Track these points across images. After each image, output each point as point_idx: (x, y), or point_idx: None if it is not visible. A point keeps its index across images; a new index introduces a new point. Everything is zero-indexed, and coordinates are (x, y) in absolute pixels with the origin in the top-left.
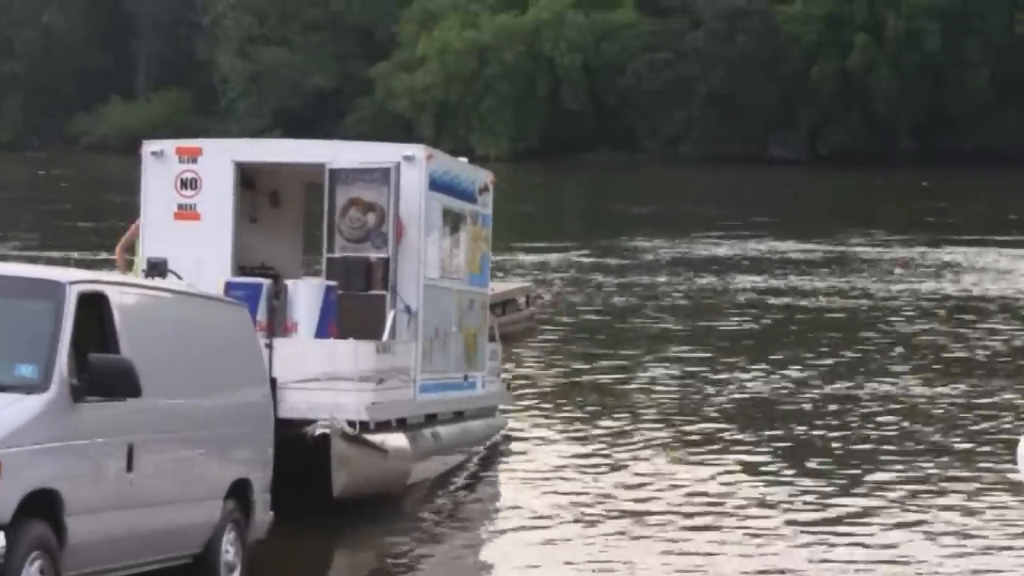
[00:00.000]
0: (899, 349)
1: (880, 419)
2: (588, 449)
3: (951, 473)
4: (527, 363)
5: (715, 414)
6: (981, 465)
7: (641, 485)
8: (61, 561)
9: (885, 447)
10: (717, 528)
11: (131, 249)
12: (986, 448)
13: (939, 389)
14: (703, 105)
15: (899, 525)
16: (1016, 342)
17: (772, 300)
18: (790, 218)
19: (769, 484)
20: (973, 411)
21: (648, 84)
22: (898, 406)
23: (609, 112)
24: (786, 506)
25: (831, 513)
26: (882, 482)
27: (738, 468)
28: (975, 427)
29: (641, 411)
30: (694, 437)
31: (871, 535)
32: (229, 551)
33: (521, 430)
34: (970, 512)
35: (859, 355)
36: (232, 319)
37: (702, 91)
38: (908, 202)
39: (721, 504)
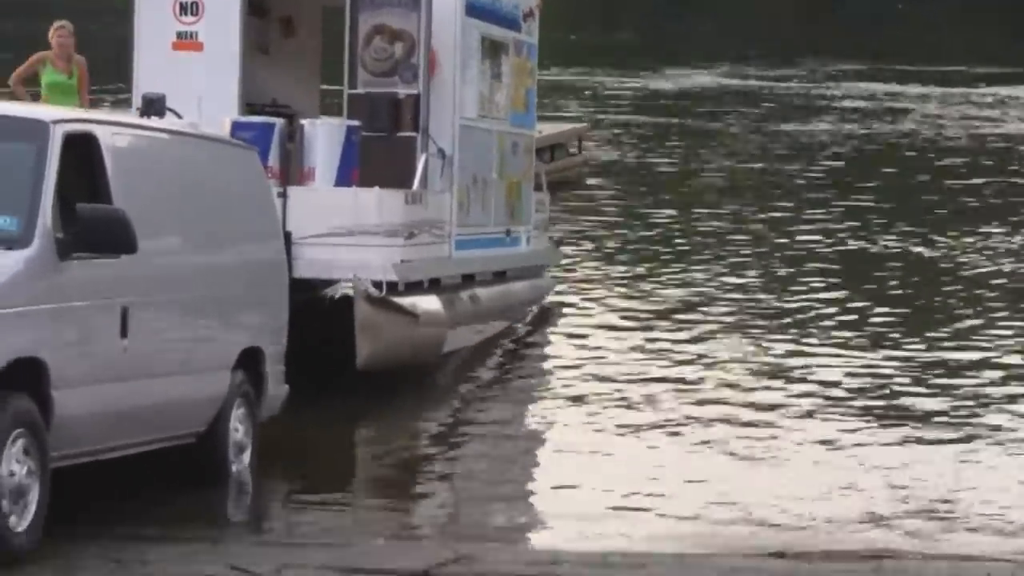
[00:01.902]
0: None
1: None
2: (642, 314)
3: None
4: (579, 216)
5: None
6: None
7: (692, 375)
8: (47, 440)
9: None
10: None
11: (30, 81)
12: None
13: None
14: None
15: None
16: None
17: None
18: None
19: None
20: None
21: None
22: None
23: None
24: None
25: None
26: None
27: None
28: None
29: (702, 271)
30: (765, 317)
31: None
32: (239, 429)
33: (571, 293)
34: None
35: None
36: (240, 164)
37: None
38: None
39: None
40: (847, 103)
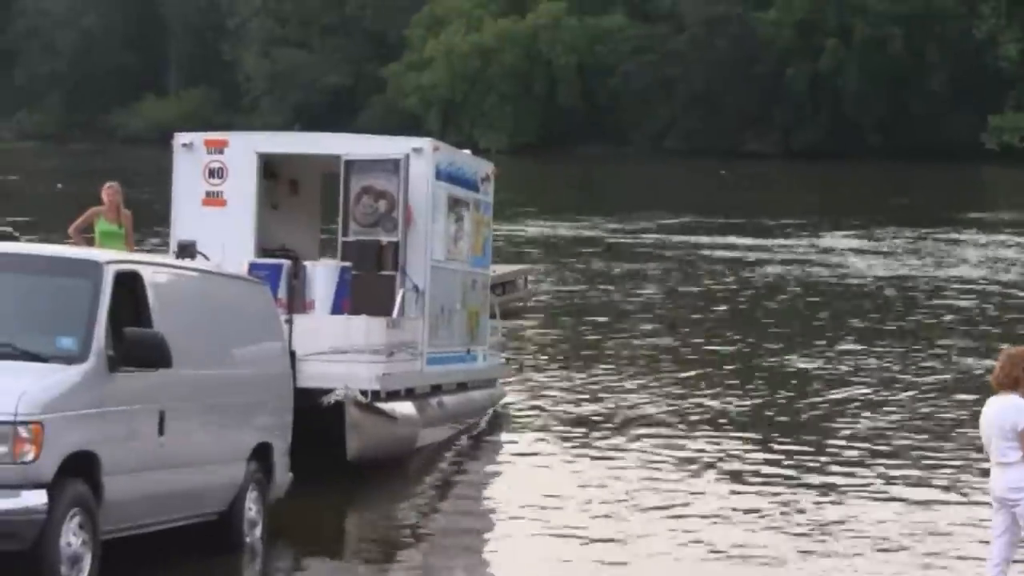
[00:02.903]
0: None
1: None
2: (586, 413)
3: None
4: (525, 338)
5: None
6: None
7: (638, 453)
8: (98, 517)
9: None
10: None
11: (86, 231)
12: None
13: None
14: (685, 103)
15: None
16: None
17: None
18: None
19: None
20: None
21: (636, 84)
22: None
23: (600, 109)
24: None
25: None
26: None
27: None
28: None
29: (631, 378)
30: (695, 417)
31: None
32: (252, 509)
33: (519, 400)
34: None
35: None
36: (255, 296)
37: (684, 90)
38: (859, 194)
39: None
40: (731, 253)
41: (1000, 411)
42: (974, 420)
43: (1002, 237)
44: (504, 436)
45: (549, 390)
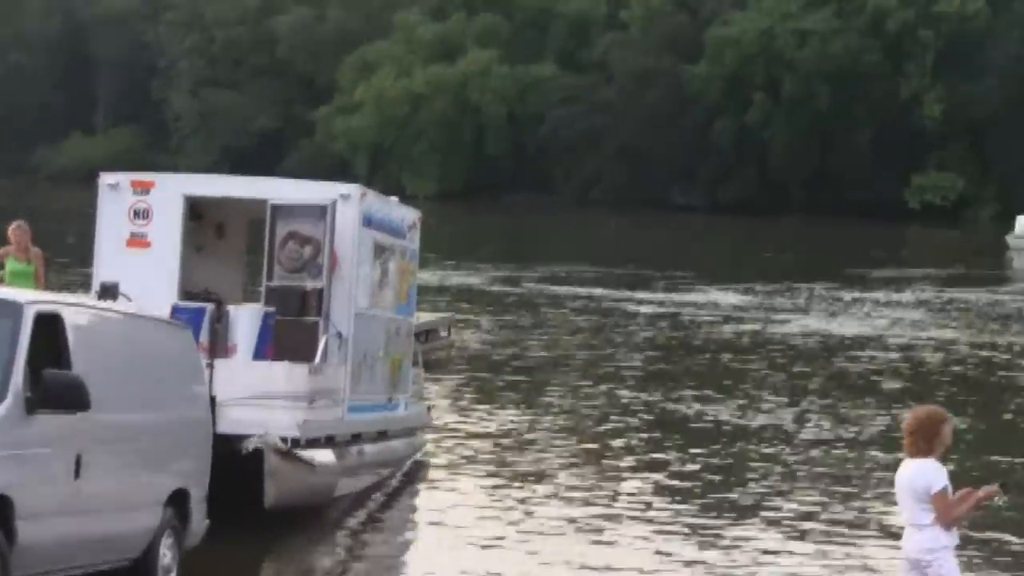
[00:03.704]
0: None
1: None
2: (507, 462)
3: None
4: (447, 387)
5: (623, 428)
6: None
7: (554, 494)
8: (10, 562)
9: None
10: (643, 538)
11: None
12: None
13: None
14: (613, 154)
15: None
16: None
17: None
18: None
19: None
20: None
21: (564, 133)
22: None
23: (529, 158)
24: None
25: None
26: None
27: (652, 479)
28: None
29: (553, 425)
30: (617, 464)
31: None
32: (167, 555)
33: (439, 448)
34: None
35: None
36: (176, 340)
37: (613, 142)
38: (773, 249)
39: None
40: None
41: (914, 474)
42: (881, 476)
43: (912, 295)
44: (423, 485)
45: (470, 439)
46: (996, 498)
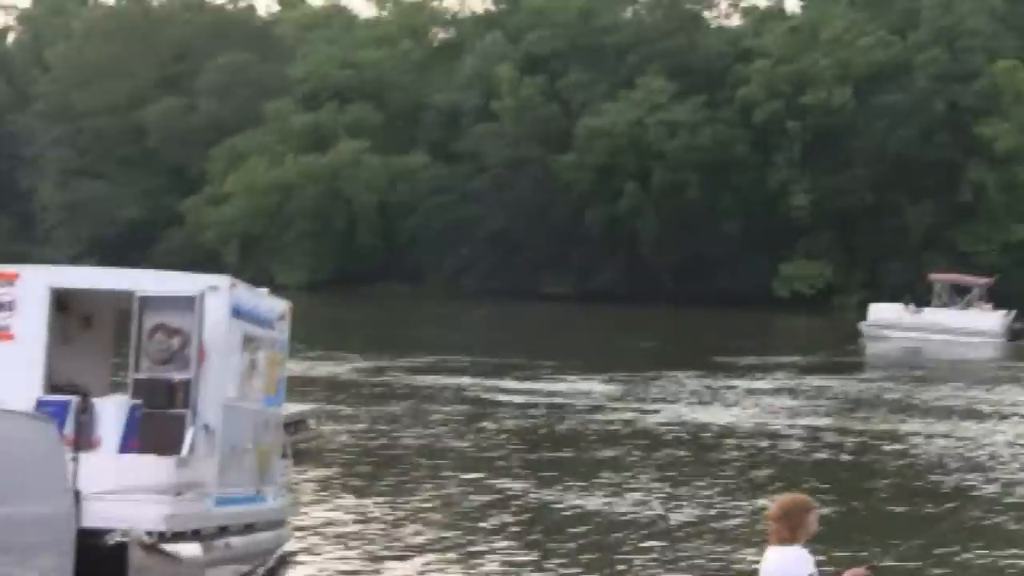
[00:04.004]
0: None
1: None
2: (374, 554)
3: None
4: (315, 479)
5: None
6: None
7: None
8: None
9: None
10: None
11: None
12: None
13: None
14: (484, 243)
15: None
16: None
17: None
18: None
19: None
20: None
21: (436, 223)
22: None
23: (400, 247)
24: None
25: None
26: None
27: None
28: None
29: (421, 517)
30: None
31: None
32: None
33: (308, 541)
34: None
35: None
36: (39, 434)
37: (484, 231)
38: (642, 336)
39: None
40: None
41: (779, 562)
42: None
43: (777, 383)
44: None
45: (337, 531)
46: None
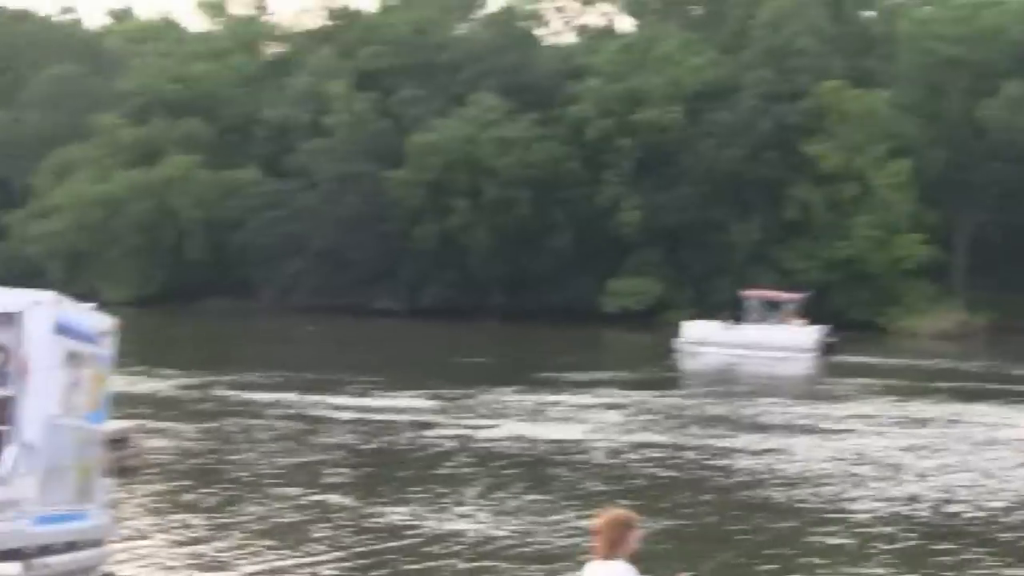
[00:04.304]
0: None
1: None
2: (195, 569)
3: None
4: (138, 496)
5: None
6: None
7: None
8: None
9: None
10: None
11: None
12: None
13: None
14: (314, 259)
15: None
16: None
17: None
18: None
19: None
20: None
21: (265, 238)
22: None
23: (229, 263)
24: None
25: None
26: None
27: None
28: None
29: (246, 534)
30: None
31: None
32: None
33: (130, 558)
34: None
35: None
36: None
37: (314, 246)
38: (475, 352)
39: None
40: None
41: None
42: None
43: (600, 399)
44: None
45: (158, 547)
46: None
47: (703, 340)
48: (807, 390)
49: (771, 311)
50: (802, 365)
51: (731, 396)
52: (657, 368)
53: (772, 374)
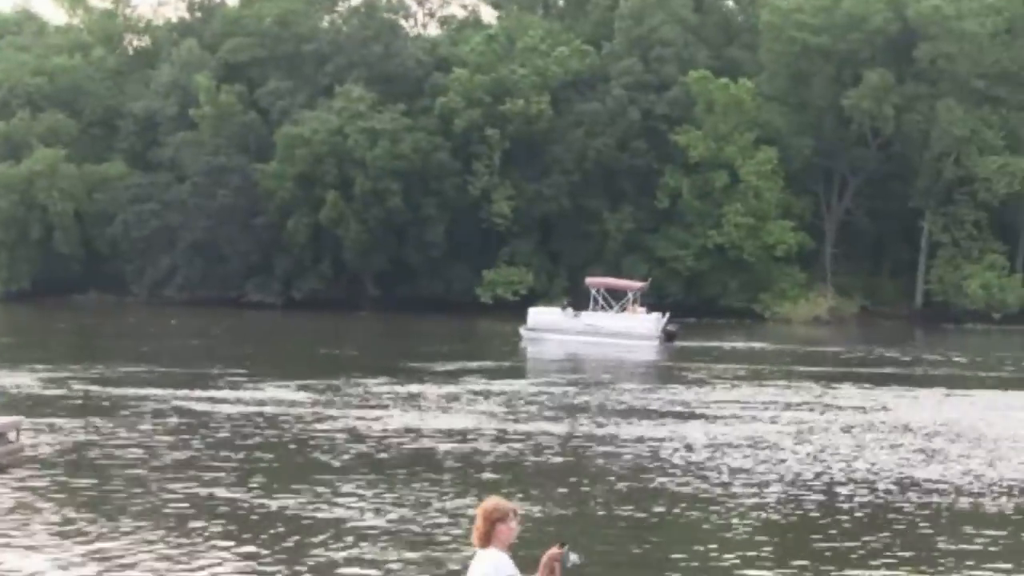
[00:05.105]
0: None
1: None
2: (71, 560)
3: None
4: (17, 491)
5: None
6: None
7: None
8: None
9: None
10: None
11: None
12: None
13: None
14: (186, 252)
15: None
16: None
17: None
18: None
19: None
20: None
21: (136, 232)
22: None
23: (100, 257)
24: None
25: None
26: None
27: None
28: None
29: (132, 528)
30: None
31: None
32: None
33: (6, 552)
34: None
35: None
36: None
37: (186, 239)
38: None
39: None
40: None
41: (480, 567)
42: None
43: (468, 387)
44: None
45: (36, 540)
46: (571, 557)
47: (547, 327)
48: (662, 375)
49: (614, 299)
50: (645, 352)
51: (592, 383)
52: (513, 357)
53: (617, 360)
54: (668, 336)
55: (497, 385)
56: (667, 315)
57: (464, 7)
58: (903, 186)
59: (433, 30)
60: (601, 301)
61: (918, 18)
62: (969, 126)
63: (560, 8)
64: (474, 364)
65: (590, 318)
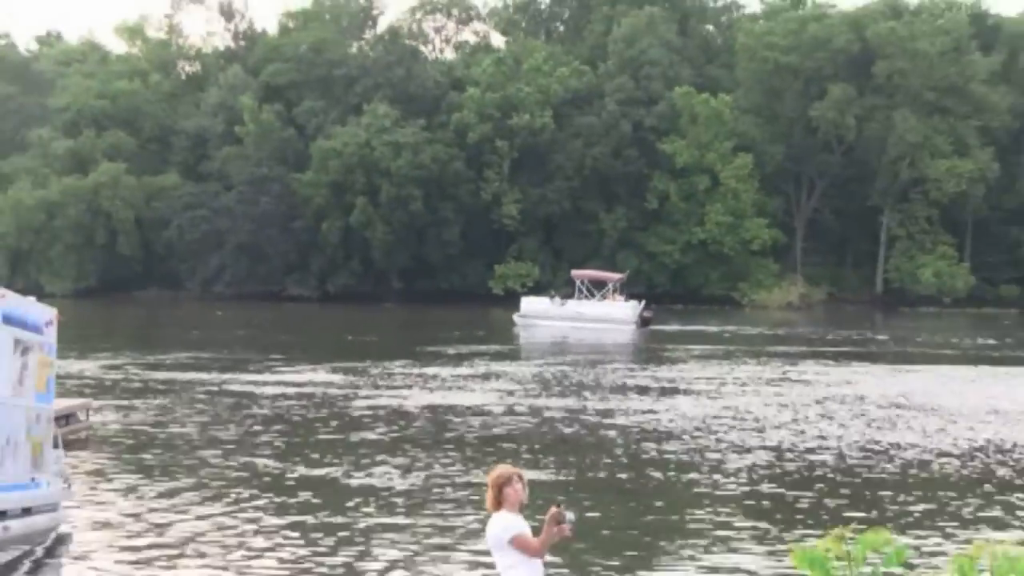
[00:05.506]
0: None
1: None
2: (144, 542)
3: None
4: (87, 465)
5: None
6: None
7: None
8: None
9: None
10: None
11: None
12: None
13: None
14: (233, 252)
15: None
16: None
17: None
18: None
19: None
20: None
21: (189, 235)
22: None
23: (157, 257)
24: None
25: None
26: None
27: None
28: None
29: (193, 499)
30: (247, 549)
31: None
32: None
33: (81, 522)
34: None
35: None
36: None
37: (232, 241)
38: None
39: None
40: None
41: (491, 528)
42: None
43: (475, 369)
44: (65, 558)
45: (107, 511)
46: (567, 517)
47: (537, 314)
48: (649, 356)
49: (597, 289)
50: (623, 335)
51: (582, 363)
52: (509, 342)
53: (598, 342)
54: (643, 321)
55: (500, 366)
56: (643, 302)
57: (476, 34)
58: (864, 187)
59: (449, 54)
60: (585, 291)
61: (876, 39)
62: (922, 133)
63: (560, 33)
64: (483, 348)
65: (575, 306)
